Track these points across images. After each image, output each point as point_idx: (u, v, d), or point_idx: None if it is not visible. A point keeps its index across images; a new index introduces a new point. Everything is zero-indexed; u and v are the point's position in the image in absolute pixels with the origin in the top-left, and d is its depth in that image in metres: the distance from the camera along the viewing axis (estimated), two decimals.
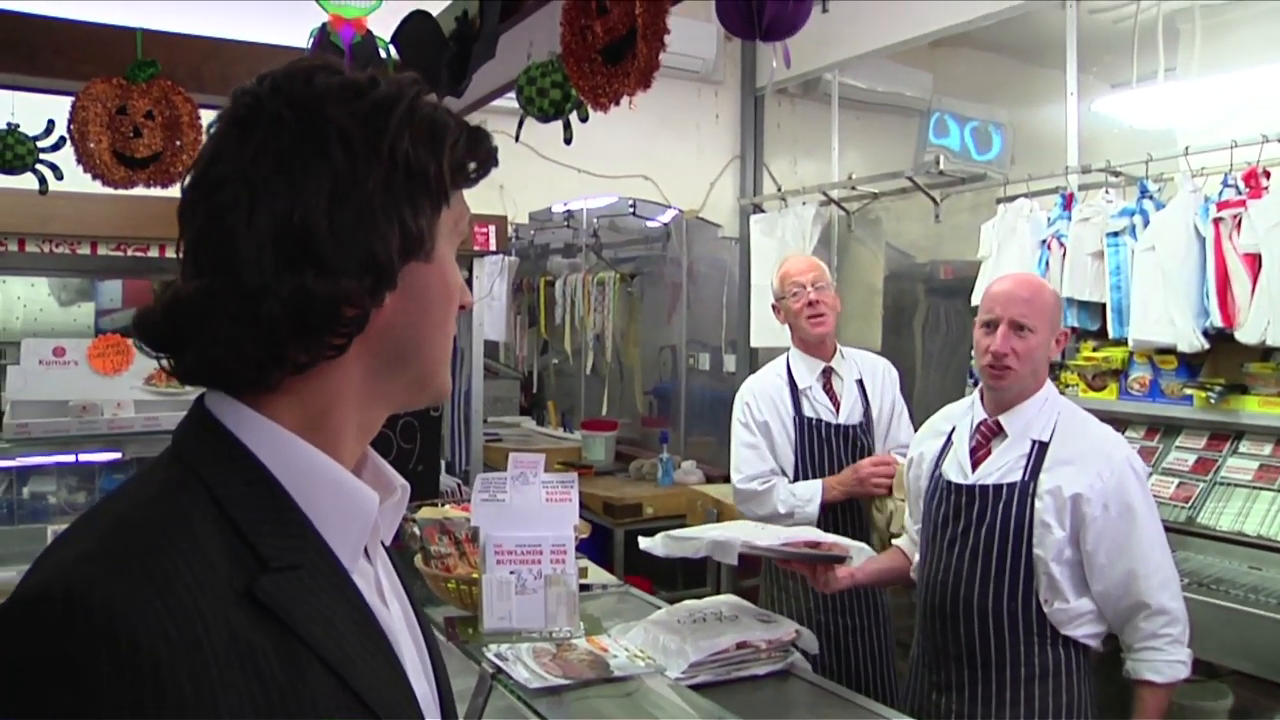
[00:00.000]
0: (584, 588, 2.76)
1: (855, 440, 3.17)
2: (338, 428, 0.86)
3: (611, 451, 5.71)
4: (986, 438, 2.35)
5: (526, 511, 2.15)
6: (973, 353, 2.38)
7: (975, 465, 2.33)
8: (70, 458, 3.69)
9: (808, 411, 3.16)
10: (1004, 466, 2.29)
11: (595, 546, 4.56)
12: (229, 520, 0.77)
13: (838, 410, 3.17)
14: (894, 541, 2.75)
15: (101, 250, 3.84)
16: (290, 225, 0.79)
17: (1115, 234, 3.41)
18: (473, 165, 0.91)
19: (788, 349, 3.30)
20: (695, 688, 2.10)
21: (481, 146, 0.91)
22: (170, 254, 4.14)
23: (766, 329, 5.10)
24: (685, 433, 5.81)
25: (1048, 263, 3.66)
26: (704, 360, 5.84)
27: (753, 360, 5.15)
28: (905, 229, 5.01)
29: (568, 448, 5.94)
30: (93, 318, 5.05)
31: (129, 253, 3.93)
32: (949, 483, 2.36)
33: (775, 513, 3.06)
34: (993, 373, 2.28)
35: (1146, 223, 3.35)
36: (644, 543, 2.50)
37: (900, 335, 4.95)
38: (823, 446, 3.13)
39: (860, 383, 3.24)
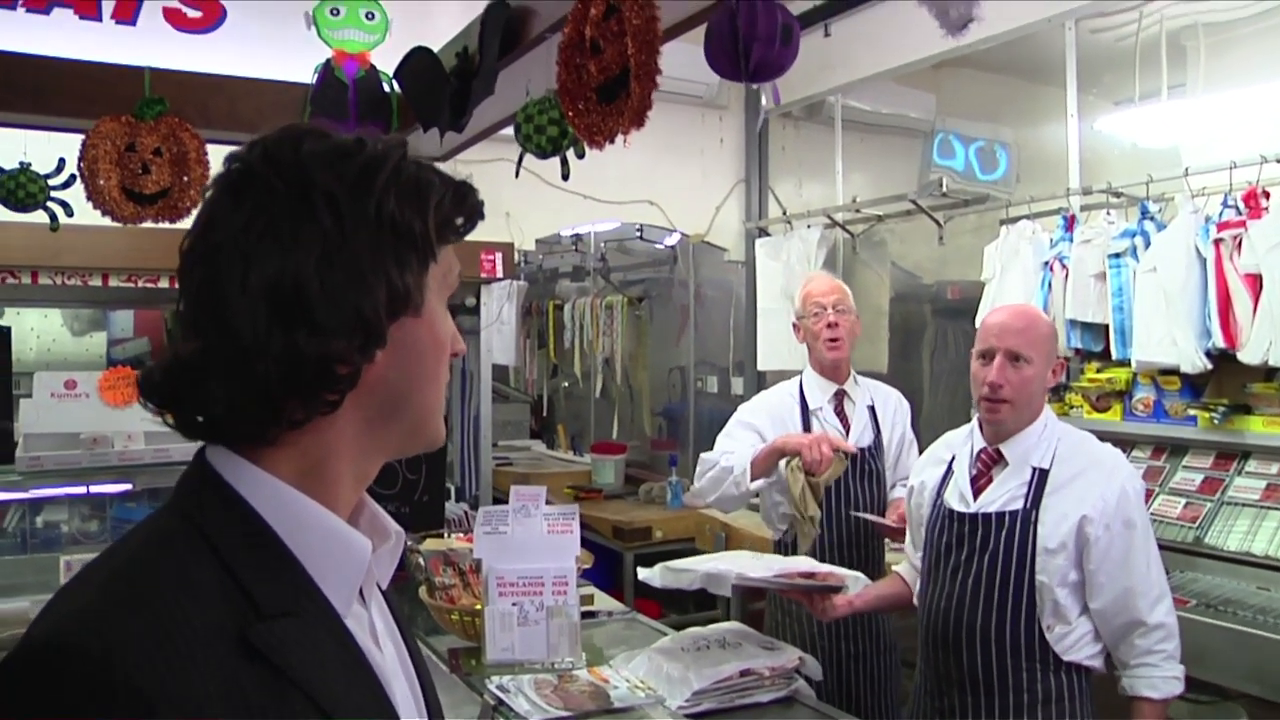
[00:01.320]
0: (590, 615, 2.78)
1: (864, 463, 3.17)
2: (334, 478, 0.89)
3: (621, 475, 5.73)
4: (987, 465, 2.37)
5: (528, 543, 2.18)
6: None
7: (977, 493, 2.35)
8: (82, 489, 3.73)
9: (817, 432, 3.17)
10: (1005, 494, 2.30)
11: (604, 571, 4.58)
12: (226, 569, 0.80)
13: (848, 433, 3.18)
14: (894, 569, 2.76)
15: (113, 282, 3.89)
16: (282, 288, 0.82)
17: (1117, 255, 3.43)
18: (459, 220, 0.94)
19: (797, 372, 3.33)
20: (698, 716, 2.12)
21: (467, 202, 0.94)
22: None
23: (773, 352, 5.13)
24: (694, 455, 5.81)
25: (1050, 284, 3.68)
26: (712, 383, 5.86)
27: (760, 383, 5.17)
28: (910, 250, 5.04)
29: (577, 471, 5.97)
30: (104, 347, 5.11)
31: (139, 284, 3.98)
32: (951, 511, 2.38)
33: (717, 464, 3.06)
34: (988, 405, 2.31)
35: (1148, 244, 3.37)
36: (643, 574, 2.53)
37: (908, 357, 4.96)
38: None
39: (871, 409, 3.25)
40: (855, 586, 2.48)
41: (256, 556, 0.83)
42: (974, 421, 2.46)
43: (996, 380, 2.27)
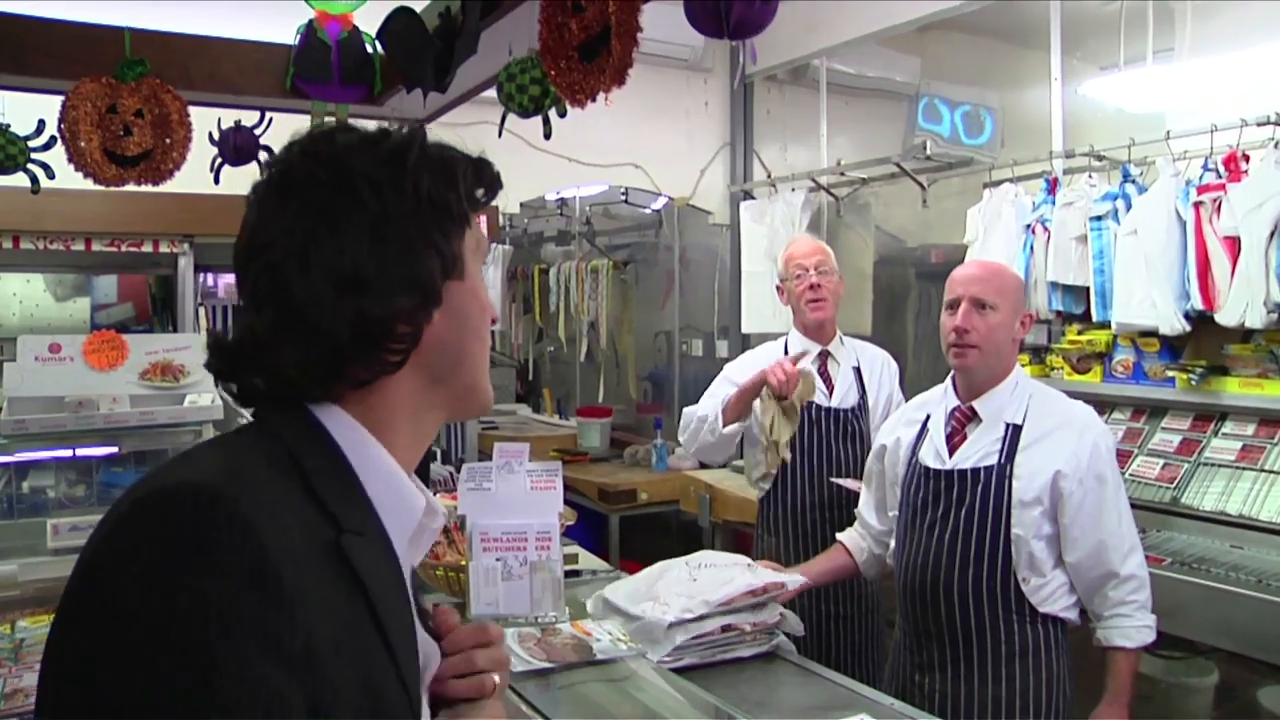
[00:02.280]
0: (575, 573, 2.81)
1: (848, 424, 3.20)
2: (393, 436, 0.95)
3: (606, 438, 5.76)
4: (961, 423, 2.42)
5: (512, 500, 2.20)
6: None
7: (952, 451, 2.40)
8: (68, 453, 3.73)
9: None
10: (980, 451, 2.36)
11: (590, 532, 4.62)
12: (308, 482, 0.86)
13: (831, 393, 3.21)
14: (838, 536, 2.81)
15: (96, 246, 3.89)
16: (341, 269, 0.89)
17: (1098, 218, 3.46)
18: (481, 191, 1.01)
19: (781, 335, 3.36)
20: (680, 670, 2.15)
21: (486, 174, 1.01)
22: (164, 249, 4.19)
23: (758, 315, 5.15)
24: (679, 418, 5.86)
25: (1032, 247, 3.70)
26: (697, 346, 5.88)
27: (744, 345, 5.19)
28: (894, 214, 5.05)
29: (563, 435, 5.99)
30: (89, 312, 5.10)
31: (123, 248, 3.98)
32: (927, 468, 2.43)
33: (695, 415, 3.20)
34: (956, 351, 2.36)
35: (1129, 207, 3.40)
36: (590, 604, 2.40)
37: (892, 320, 4.99)
38: (813, 428, 3.17)
39: (857, 370, 3.27)
40: (794, 585, 2.42)
41: (335, 479, 0.89)
42: (948, 381, 2.51)
43: (962, 324, 2.33)
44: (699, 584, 2.36)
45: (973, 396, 2.40)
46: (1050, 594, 2.31)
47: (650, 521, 5.14)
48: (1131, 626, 2.27)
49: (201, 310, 4.71)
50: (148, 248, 4.03)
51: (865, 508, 2.73)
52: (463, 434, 4.97)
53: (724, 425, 3.09)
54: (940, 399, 2.50)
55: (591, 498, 4.97)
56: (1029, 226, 3.72)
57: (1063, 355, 3.63)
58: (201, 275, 4.76)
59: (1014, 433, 2.34)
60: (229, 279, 5.43)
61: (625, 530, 4.94)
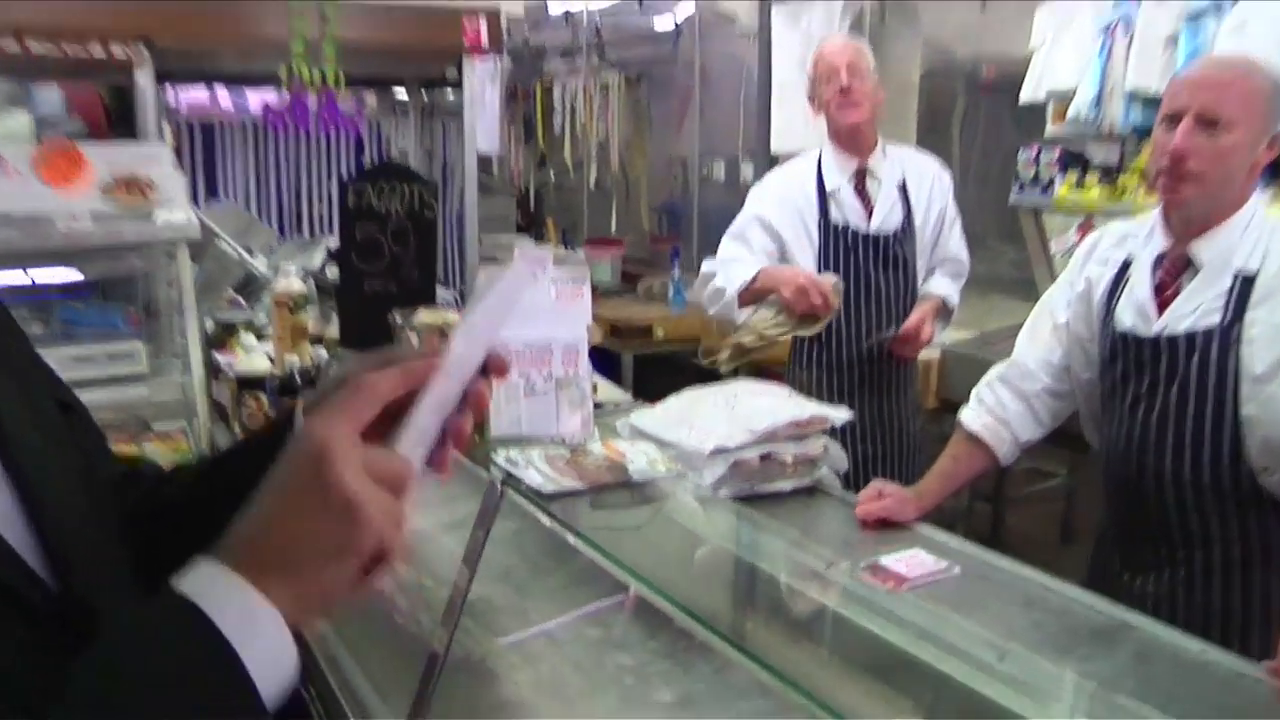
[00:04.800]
0: (595, 405, 2.74)
1: (888, 251, 3.09)
2: None
3: (617, 271, 5.71)
4: (1173, 274, 2.04)
5: (534, 310, 2.11)
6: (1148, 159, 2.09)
7: (1161, 309, 2.03)
8: (25, 281, 3.61)
9: (835, 217, 3.06)
10: (1198, 309, 1.98)
11: (601, 371, 4.56)
12: None
13: (870, 216, 3.08)
14: (967, 425, 2.34)
15: (32, 46, 3.68)
16: None
17: (1196, 17, 3.26)
18: None
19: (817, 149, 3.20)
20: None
21: None
22: (118, 53, 3.96)
23: (789, 133, 4.99)
24: (699, 250, 5.75)
25: (1110, 51, 3.52)
26: (719, 171, 5.74)
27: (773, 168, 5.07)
28: (946, 19, 4.84)
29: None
30: (29, 129, 4.88)
31: (68, 53, 3.76)
32: (1124, 335, 2.07)
33: (713, 283, 3.10)
34: (1166, 183, 1.95)
35: None
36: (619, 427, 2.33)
37: (937, 139, 4.83)
38: (849, 256, 3.06)
39: (903, 187, 3.13)
40: (838, 418, 2.24)
41: None
42: (1156, 214, 2.10)
43: (1181, 146, 1.89)
44: (737, 413, 2.25)
45: (1190, 237, 1.99)
46: None
47: (666, 362, 5.08)
48: None
49: (166, 128, 4.53)
50: (98, 52, 3.80)
51: (1032, 361, 2.30)
52: (462, 266, 4.87)
53: (739, 305, 3.01)
54: (1146, 237, 2.09)
55: (603, 335, 4.91)
56: (1108, 27, 3.53)
57: (1140, 175, 3.49)
58: (164, 87, 4.55)
59: (1244, 284, 1.93)
60: (197, 94, 5.23)
61: (640, 370, 4.89)
